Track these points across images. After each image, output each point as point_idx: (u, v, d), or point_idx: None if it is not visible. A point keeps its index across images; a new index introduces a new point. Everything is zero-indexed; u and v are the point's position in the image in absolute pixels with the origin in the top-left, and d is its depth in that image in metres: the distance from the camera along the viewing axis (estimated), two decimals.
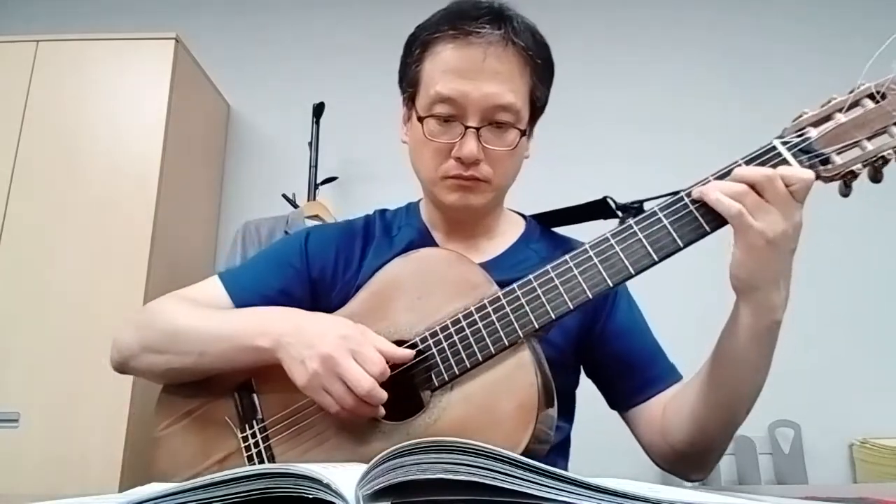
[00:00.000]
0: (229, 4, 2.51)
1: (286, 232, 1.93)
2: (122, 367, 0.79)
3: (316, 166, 2.15)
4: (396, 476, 0.34)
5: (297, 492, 0.35)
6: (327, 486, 0.35)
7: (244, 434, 0.71)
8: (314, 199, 2.12)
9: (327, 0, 2.48)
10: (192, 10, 2.48)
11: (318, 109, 2.16)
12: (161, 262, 1.81)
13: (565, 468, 0.86)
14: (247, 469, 0.37)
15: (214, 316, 0.75)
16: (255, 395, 0.73)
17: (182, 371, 0.74)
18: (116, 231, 1.79)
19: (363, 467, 0.37)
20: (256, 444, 0.70)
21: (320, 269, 0.85)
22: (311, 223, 1.97)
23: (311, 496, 0.35)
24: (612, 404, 0.86)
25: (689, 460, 0.77)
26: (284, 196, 2.13)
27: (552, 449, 0.74)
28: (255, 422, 0.71)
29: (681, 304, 1.85)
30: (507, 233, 0.89)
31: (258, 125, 2.41)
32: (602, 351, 0.83)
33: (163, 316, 0.77)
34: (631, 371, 0.82)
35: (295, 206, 2.10)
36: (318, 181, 2.14)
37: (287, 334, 0.67)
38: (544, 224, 0.92)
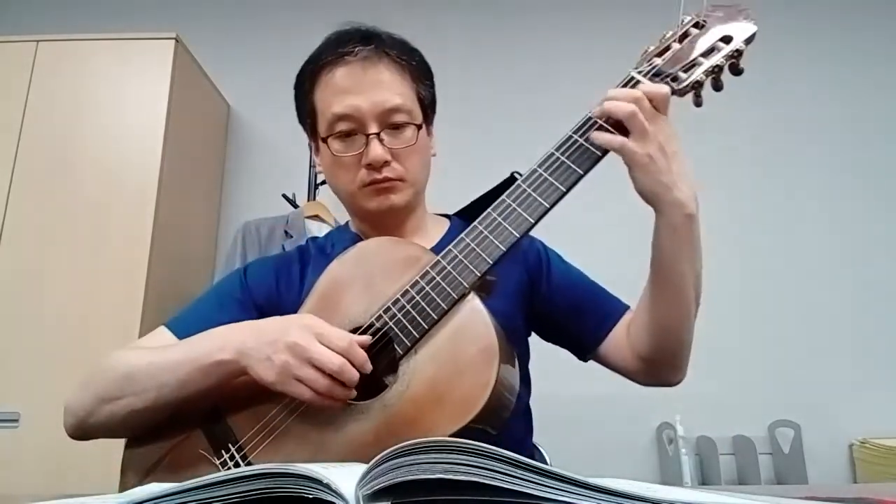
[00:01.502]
0: (229, 5, 2.51)
1: (286, 232, 1.93)
2: (79, 430, 0.77)
3: (316, 166, 2.14)
4: (396, 476, 0.34)
5: (297, 492, 0.35)
6: (327, 486, 0.35)
7: (222, 459, 0.70)
8: (314, 199, 2.12)
9: (327, 1, 2.48)
10: (192, 10, 2.48)
11: None
12: (161, 263, 1.81)
13: (530, 437, 0.91)
14: (247, 469, 0.37)
15: (167, 349, 0.75)
16: (223, 421, 0.71)
17: (145, 411, 0.71)
18: (116, 231, 1.79)
19: (363, 467, 0.37)
20: (237, 465, 0.69)
21: (265, 296, 0.87)
22: (310, 223, 1.97)
23: (311, 496, 0.35)
24: (583, 352, 0.91)
25: (662, 364, 0.84)
26: (284, 196, 2.13)
27: (516, 419, 0.77)
28: (230, 444, 0.70)
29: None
30: (434, 231, 0.94)
31: (258, 125, 2.41)
32: (553, 307, 0.90)
33: (113, 364, 0.75)
34: (586, 312, 0.90)
35: (295, 206, 2.10)
36: (318, 181, 2.14)
37: (247, 340, 0.67)
38: (467, 219, 0.96)
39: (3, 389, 1.67)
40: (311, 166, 2.14)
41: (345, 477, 0.37)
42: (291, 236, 1.90)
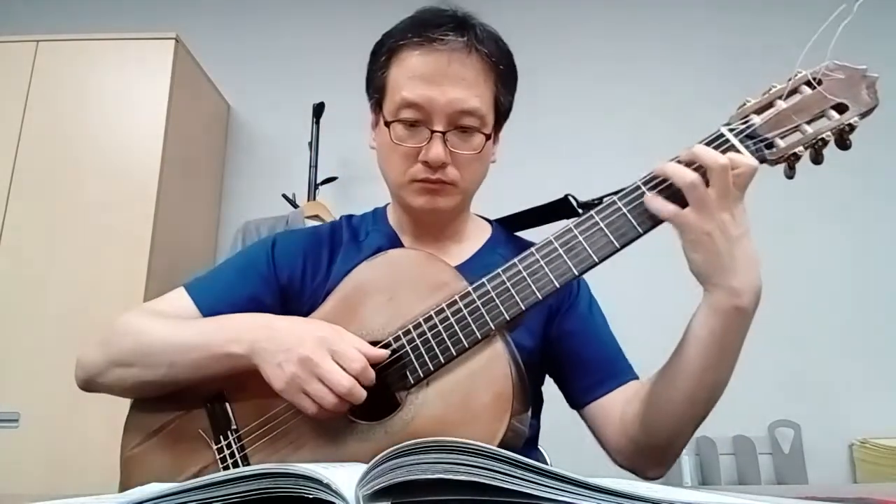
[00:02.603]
0: (229, 4, 2.51)
1: None
2: (88, 385, 0.77)
3: (316, 166, 2.15)
4: (396, 476, 0.34)
5: (297, 492, 0.35)
6: (327, 486, 0.35)
7: (219, 445, 0.70)
8: (314, 199, 2.12)
9: (328, 1, 2.49)
10: (192, 10, 2.48)
11: (318, 109, 2.16)
12: (161, 262, 1.81)
13: (537, 457, 0.89)
14: (247, 469, 0.37)
15: (184, 326, 0.74)
16: (227, 406, 0.71)
17: (152, 384, 0.72)
18: (116, 231, 1.79)
19: (363, 467, 0.37)
20: (232, 455, 0.69)
21: (289, 275, 0.84)
22: (311, 223, 1.97)
23: (311, 496, 0.35)
24: (571, 403, 0.87)
25: (649, 454, 0.77)
26: (284, 196, 2.13)
27: (524, 443, 0.74)
28: (229, 432, 0.70)
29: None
30: (474, 237, 0.90)
31: (258, 125, 2.41)
32: (558, 349, 0.85)
33: (130, 329, 0.75)
34: (586, 368, 0.83)
35: (295, 206, 2.10)
36: (318, 181, 2.14)
37: (262, 339, 0.66)
38: (509, 228, 0.94)
39: (3, 389, 1.67)
40: (312, 166, 2.15)
41: (345, 477, 0.37)
42: (300, 228, 1.90)
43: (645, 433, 0.74)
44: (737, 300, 0.63)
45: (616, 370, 0.83)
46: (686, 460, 1.87)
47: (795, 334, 2.10)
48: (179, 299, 0.81)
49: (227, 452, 0.70)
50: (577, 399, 0.84)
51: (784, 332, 2.10)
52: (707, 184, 0.62)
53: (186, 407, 0.73)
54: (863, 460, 1.94)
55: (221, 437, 0.70)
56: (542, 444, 0.93)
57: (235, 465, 0.69)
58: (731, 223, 0.62)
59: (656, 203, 0.63)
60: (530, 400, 0.70)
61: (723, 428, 2.00)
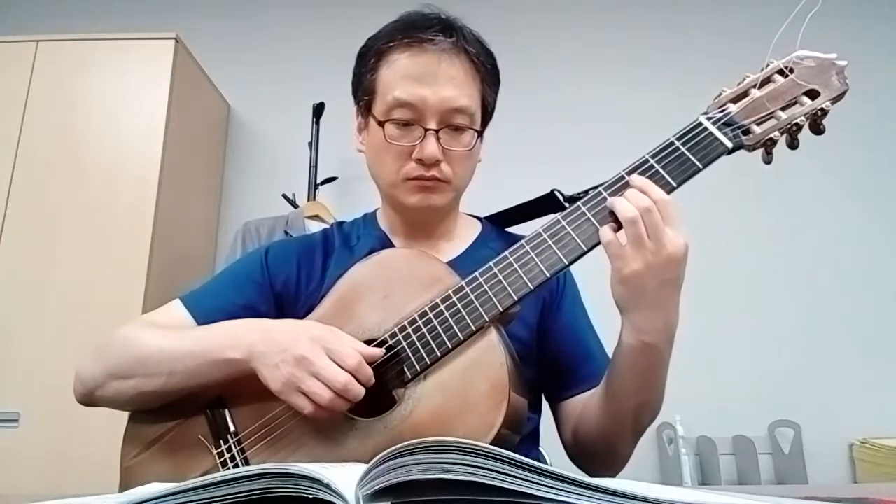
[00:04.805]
0: (229, 4, 2.51)
1: (286, 232, 1.93)
2: (87, 399, 0.77)
3: (316, 166, 2.15)
4: (396, 476, 0.34)
5: (297, 492, 0.35)
6: (327, 486, 0.35)
7: (219, 450, 0.70)
8: (314, 199, 2.12)
9: (327, 0, 2.49)
10: (192, 10, 2.48)
11: (318, 109, 2.16)
12: (161, 262, 1.81)
13: (538, 457, 0.89)
14: (247, 469, 0.37)
15: (181, 335, 0.74)
16: (226, 411, 0.72)
17: (152, 394, 0.72)
18: (116, 231, 1.79)
19: (363, 467, 0.37)
20: (233, 458, 0.70)
21: (283, 283, 0.85)
22: (311, 223, 1.97)
23: (311, 496, 0.35)
24: (545, 396, 0.89)
25: (592, 458, 0.81)
26: (284, 196, 2.13)
27: (523, 438, 0.76)
28: (229, 436, 0.71)
29: None
30: (465, 234, 0.92)
31: (258, 125, 2.41)
32: (542, 347, 0.87)
33: (127, 341, 0.75)
34: (562, 369, 0.86)
35: (295, 206, 2.10)
36: (318, 181, 2.14)
37: (258, 343, 0.67)
38: (498, 225, 0.96)
39: (3, 389, 1.67)
40: (312, 166, 2.15)
41: (345, 477, 0.37)
42: (291, 237, 1.90)
43: (591, 441, 0.79)
44: (643, 337, 0.66)
45: (588, 374, 0.83)
46: (686, 460, 1.87)
47: (795, 334, 2.10)
48: (175, 311, 0.81)
49: (227, 456, 0.70)
50: (550, 395, 0.88)
51: (784, 332, 2.10)
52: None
53: (186, 414, 0.73)
54: (863, 460, 1.94)
55: (221, 442, 0.71)
56: (543, 445, 0.93)
57: (236, 468, 0.69)
58: (665, 266, 0.62)
59: (602, 230, 0.65)
60: (527, 389, 0.70)
61: (723, 428, 2.00)
